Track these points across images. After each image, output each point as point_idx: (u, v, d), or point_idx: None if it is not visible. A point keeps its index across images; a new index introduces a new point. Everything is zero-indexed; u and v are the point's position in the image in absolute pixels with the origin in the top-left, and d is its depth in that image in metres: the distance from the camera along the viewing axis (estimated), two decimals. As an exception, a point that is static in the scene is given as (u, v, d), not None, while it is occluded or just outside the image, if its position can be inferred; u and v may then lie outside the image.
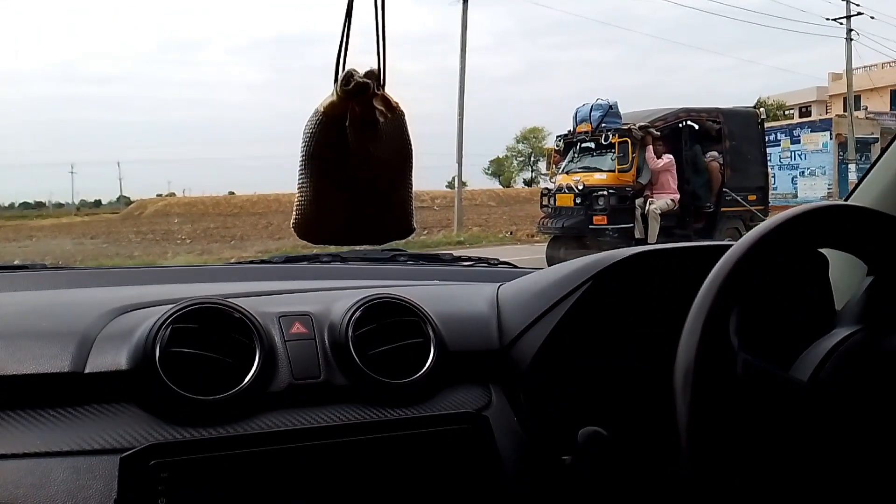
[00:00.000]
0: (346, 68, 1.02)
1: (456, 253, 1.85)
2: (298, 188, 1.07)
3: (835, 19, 22.42)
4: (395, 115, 1.05)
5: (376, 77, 1.02)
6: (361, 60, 1.05)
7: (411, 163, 1.10)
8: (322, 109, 1.03)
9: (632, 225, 9.27)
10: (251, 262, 1.70)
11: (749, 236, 0.79)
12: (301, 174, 1.06)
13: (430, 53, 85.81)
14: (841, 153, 17.87)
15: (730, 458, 0.73)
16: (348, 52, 1.02)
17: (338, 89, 1.01)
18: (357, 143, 1.02)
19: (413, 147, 1.10)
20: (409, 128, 1.09)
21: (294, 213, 1.09)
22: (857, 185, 1.36)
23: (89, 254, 15.19)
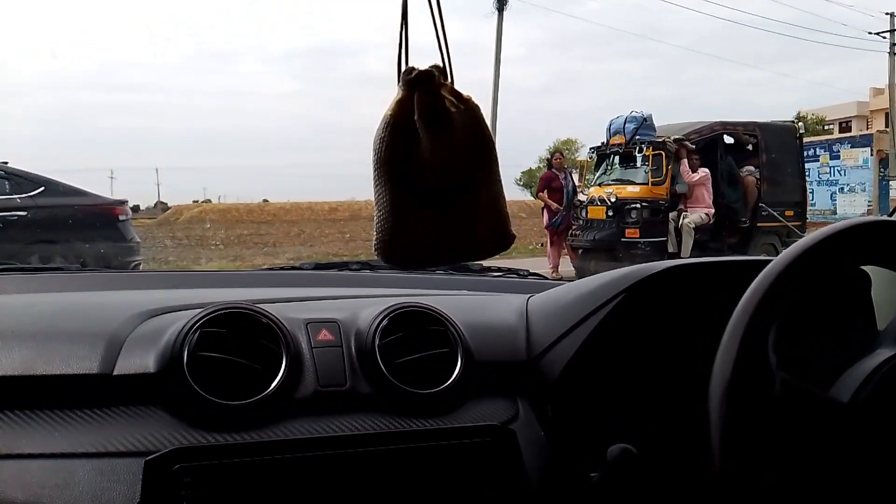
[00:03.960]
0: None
1: (485, 263, 1.84)
2: (376, 203, 0.96)
3: (877, 33, 22.01)
4: (469, 106, 0.94)
5: (441, 70, 0.93)
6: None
7: (495, 157, 0.97)
8: (389, 112, 0.93)
9: (664, 238, 9.14)
10: (281, 268, 1.70)
11: (789, 251, 0.76)
12: (376, 186, 0.95)
13: (461, 65, 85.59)
14: (882, 170, 17.47)
15: (764, 478, 0.70)
16: (409, 53, 0.93)
17: (401, 84, 0.92)
18: (430, 139, 0.92)
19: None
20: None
21: (374, 232, 0.97)
22: None
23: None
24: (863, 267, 1.14)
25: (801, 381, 0.75)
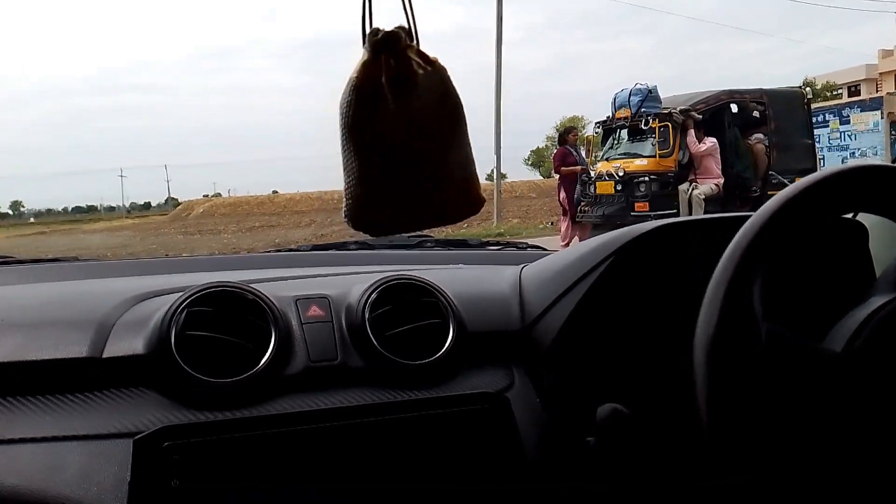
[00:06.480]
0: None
1: (484, 239, 1.82)
2: (344, 169, 0.95)
3: (885, -6, 21.64)
4: (436, 68, 0.92)
5: (407, 32, 0.91)
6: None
7: (464, 119, 0.95)
8: (354, 75, 0.91)
9: (674, 211, 9.07)
10: (278, 250, 1.70)
11: (773, 201, 0.74)
12: (344, 151, 0.93)
13: (462, 49, 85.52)
14: (893, 132, 17.24)
15: (751, 431, 0.69)
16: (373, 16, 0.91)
17: (366, 46, 0.90)
18: (397, 102, 0.90)
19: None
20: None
21: (344, 199, 0.96)
22: None
23: (139, 254, 15.55)
24: (861, 220, 1.12)
25: (791, 332, 0.74)
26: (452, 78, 0.94)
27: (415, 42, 0.90)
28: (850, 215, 1.11)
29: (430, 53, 0.93)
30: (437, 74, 0.92)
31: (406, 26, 0.90)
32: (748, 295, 0.71)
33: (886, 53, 30.52)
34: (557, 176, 10.06)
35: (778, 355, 0.72)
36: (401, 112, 0.90)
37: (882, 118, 17.27)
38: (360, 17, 0.89)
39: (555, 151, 10.26)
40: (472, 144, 0.98)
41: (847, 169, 0.76)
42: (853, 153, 17.49)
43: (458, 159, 0.94)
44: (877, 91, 26.65)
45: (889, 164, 0.79)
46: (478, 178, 0.97)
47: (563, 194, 9.80)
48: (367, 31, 0.89)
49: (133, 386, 0.95)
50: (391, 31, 0.89)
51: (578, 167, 9.64)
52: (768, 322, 0.72)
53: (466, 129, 0.96)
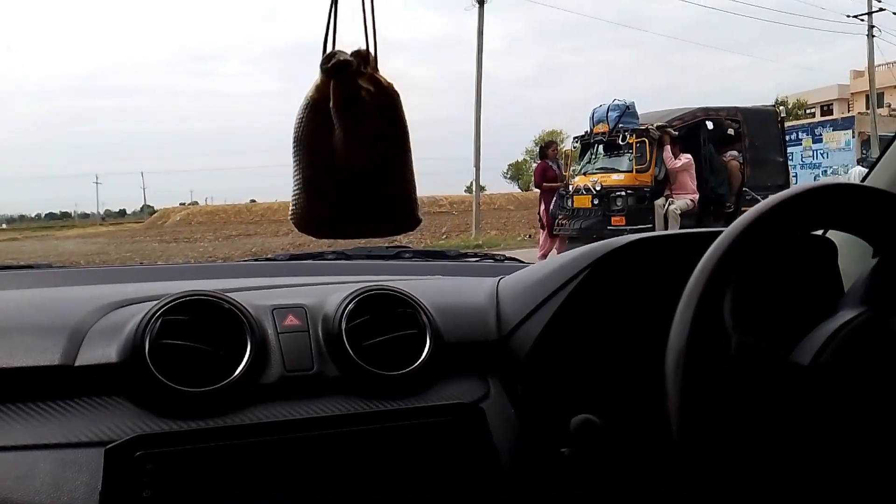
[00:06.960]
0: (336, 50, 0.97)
1: (462, 250, 1.83)
2: (293, 177, 1.03)
3: (856, 16, 22.13)
4: (386, 94, 0.99)
5: (364, 56, 0.97)
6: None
7: (408, 146, 1.03)
8: (309, 95, 0.99)
9: (650, 225, 9.16)
10: (255, 259, 1.69)
11: (744, 217, 0.76)
12: (294, 162, 1.02)
13: (444, 58, 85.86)
14: (864, 151, 17.62)
15: (721, 441, 0.70)
16: (337, 37, 0.97)
17: (320, 69, 0.97)
18: (345, 122, 0.97)
19: (409, 132, 1.03)
20: (404, 110, 1.02)
21: (290, 203, 1.05)
22: (871, 168, 1.32)
23: (114, 262, 15.33)
24: (830, 236, 1.14)
25: (760, 344, 0.75)
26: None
27: (370, 67, 0.97)
28: (819, 232, 1.13)
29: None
30: (388, 101, 0.99)
31: (364, 50, 0.97)
32: (719, 307, 0.73)
33: (857, 74, 31.19)
34: (538, 190, 10.12)
35: (747, 366, 0.73)
36: (347, 133, 0.98)
37: (853, 137, 17.63)
38: (324, 36, 0.95)
39: (535, 165, 10.32)
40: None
41: (817, 187, 0.78)
42: (825, 171, 17.82)
43: (398, 181, 1.03)
44: (848, 111, 27.22)
45: (858, 183, 0.82)
46: (416, 200, 1.06)
47: (543, 207, 9.89)
48: (329, 50, 0.96)
49: (106, 394, 0.94)
50: (342, 60, 0.95)
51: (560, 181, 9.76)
52: (738, 334, 0.73)
53: (410, 154, 1.04)
